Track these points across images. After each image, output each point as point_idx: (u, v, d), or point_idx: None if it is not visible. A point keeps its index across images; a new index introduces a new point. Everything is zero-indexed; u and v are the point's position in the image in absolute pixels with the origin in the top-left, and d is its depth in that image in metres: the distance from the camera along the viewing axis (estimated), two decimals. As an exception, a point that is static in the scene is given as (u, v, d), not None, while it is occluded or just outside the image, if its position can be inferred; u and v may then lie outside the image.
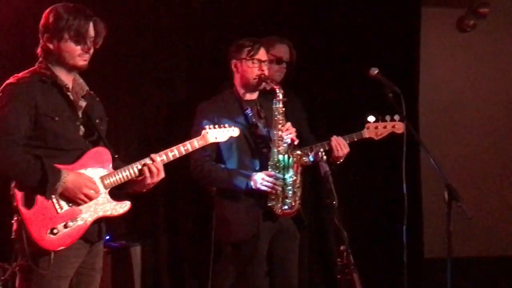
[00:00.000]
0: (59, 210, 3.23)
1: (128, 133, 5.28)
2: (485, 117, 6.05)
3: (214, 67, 5.01)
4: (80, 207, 3.28)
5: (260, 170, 4.19)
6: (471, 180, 5.91)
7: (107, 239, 4.54)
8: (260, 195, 4.16)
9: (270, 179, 4.13)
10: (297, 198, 4.21)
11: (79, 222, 3.26)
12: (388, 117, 4.48)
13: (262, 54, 4.30)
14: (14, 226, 3.25)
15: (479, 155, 6.05)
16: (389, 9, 5.66)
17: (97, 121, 3.46)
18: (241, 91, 4.34)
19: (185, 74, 5.49)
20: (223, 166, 4.23)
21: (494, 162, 6.09)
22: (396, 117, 4.45)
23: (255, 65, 4.26)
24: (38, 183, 3.16)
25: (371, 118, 4.49)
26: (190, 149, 3.62)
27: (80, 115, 3.39)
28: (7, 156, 3.16)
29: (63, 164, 3.25)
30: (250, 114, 4.29)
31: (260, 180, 4.12)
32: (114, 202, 3.37)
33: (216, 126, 3.77)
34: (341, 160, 4.40)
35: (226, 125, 3.83)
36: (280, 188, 4.15)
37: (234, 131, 3.85)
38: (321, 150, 3.96)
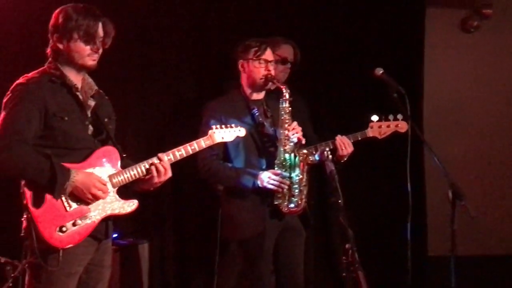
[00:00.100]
0: (68, 209, 3.25)
1: (136, 132, 5.30)
2: (489, 117, 6.03)
3: (222, 67, 5.01)
4: (89, 205, 3.30)
5: (267, 169, 4.22)
6: (475, 179, 5.89)
7: (116, 237, 4.58)
8: (266, 194, 4.19)
9: (277, 178, 4.16)
10: (303, 197, 4.23)
11: (88, 220, 3.29)
12: (391, 117, 4.51)
13: (268, 54, 4.33)
14: (24, 224, 3.26)
15: (483, 154, 6.02)
16: (393, 9, 5.65)
17: (106, 120, 3.48)
18: (248, 91, 4.37)
19: (193, 74, 5.51)
20: (230, 165, 4.25)
21: (499, 161, 6.06)
22: (399, 116, 4.48)
23: (262, 65, 4.29)
24: (47, 183, 3.18)
25: (374, 118, 4.52)
26: (197, 149, 3.64)
27: (89, 115, 3.42)
28: (17, 156, 3.18)
29: (72, 163, 3.28)
30: (257, 114, 4.32)
31: (267, 178, 4.15)
32: (122, 201, 3.40)
33: (223, 126, 3.79)
34: (345, 159, 4.44)
35: (233, 125, 3.84)
36: (286, 187, 4.18)
37: (241, 131, 3.86)
38: (326, 149, 3.97)
